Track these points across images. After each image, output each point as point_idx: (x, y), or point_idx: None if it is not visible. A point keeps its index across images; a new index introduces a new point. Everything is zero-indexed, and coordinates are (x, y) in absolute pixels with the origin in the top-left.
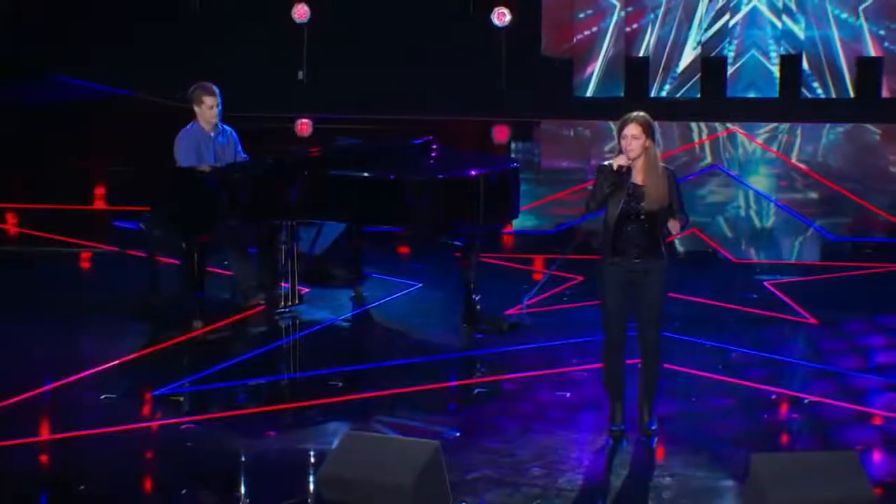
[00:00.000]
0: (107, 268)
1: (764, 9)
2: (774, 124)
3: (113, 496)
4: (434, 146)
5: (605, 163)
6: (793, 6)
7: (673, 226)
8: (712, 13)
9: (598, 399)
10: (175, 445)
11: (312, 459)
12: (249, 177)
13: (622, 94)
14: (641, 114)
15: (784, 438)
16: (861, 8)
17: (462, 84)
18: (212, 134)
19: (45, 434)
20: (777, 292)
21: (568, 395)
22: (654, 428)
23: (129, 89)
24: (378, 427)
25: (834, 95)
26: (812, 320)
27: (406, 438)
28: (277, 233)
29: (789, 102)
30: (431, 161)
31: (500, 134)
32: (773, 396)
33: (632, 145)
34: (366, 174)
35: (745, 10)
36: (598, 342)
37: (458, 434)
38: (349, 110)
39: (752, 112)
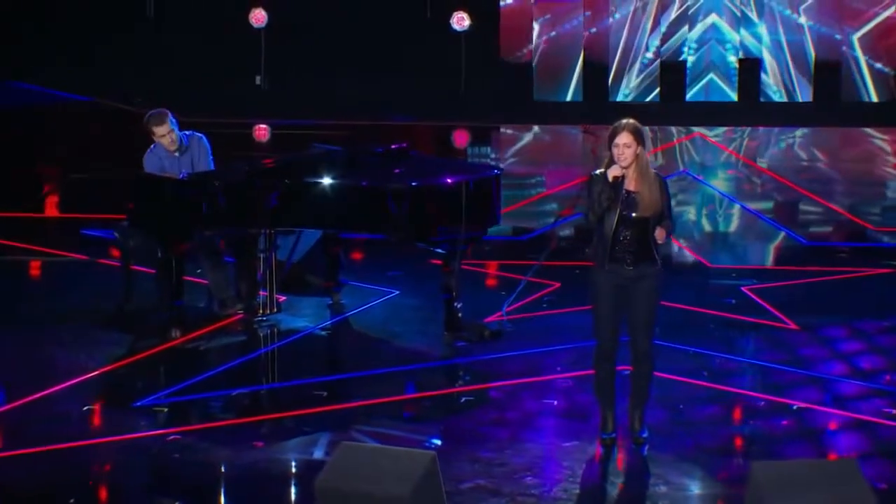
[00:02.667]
0: (78, 276)
1: (724, 13)
2: (735, 128)
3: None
4: (412, 153)
5: (597, 172)
6: (752, 12)
7: (659, 234)
8: (671, 17)
9: (586, 407)
10: (163, 457)
11: (304, 470)
12: (229, 185)
13: (581, 99)
14: (631, 121)
15: (777, 446)
16: (856, 37)
17: (421, 89)
18: (176, 154)
19: (28, 446)
20: (755, 297)
21: (555, 402)
22: (645, 436)
23: (86, 95)
24: (364, 437)
25: (799, 99)
26: (792, 325)
27: (402, 449)
28: (255, 241)
29: (749, 106)
30: (412, 168)
31: (461, 138)
32: (762, 403)
33: (624, 153)
34: (348, 181)
35: (703, 12)
36: (581, 349)
37: (448, 443)
38: (308, 116)
39: (712, 116)
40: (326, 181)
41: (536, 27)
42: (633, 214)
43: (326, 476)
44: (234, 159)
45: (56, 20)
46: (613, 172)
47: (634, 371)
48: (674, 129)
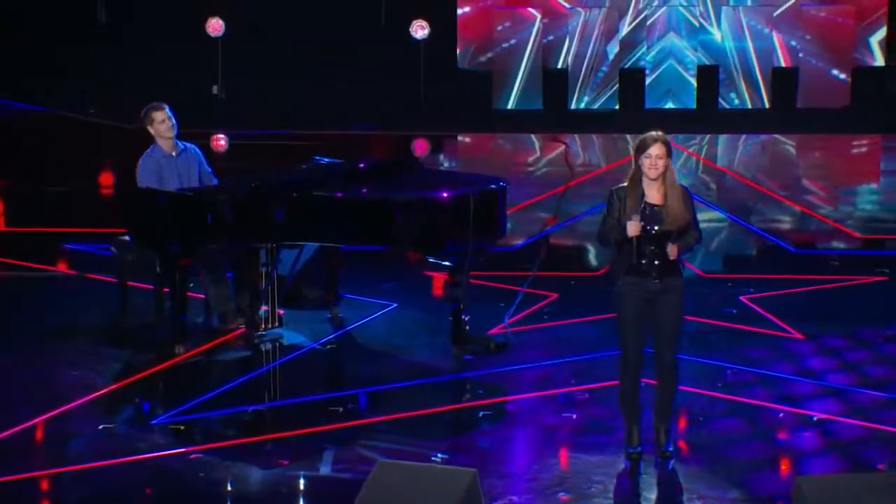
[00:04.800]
0: (67, 292)
1: (682, 22)
2: (697, 135)
3: None
4: (414, 165)
5: (619, 186)
6: (710, 19)
7: (671, 250)
8: (629, 26)
9: (606, 420)
10: (189, 475)
11: (336, 488)
12: (236, 199)
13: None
14: (661, 133)
15: (804, 458)
16: (786, 23)
17: (380, 97)
18: (172, 153)
19: (50, 466)
20: (754, 307)
21: (574, 416)
22: (671, 449)
23: (38, 105)
24: (382, 455)
25: (767, 105)
26: (797, 335)
27: (442, 466)
28: (256, 255)
29: (707, 113)
30: (418, 180)
31: (420, 147)
32: (781, 415)
33: (657, 164)
34: (357, 194)
35: (661, 21)
36: (590, 361)
37: (474, 459)
38: (266, 126)
39: (671, 123)
40: (334, 194)
41: (497, 35)
42: (660, 226)
43: (366, 494)
44: (236, 173)
45: (6, 28)
46: (633, 232)
47: (659, 384)
48: (629, 137)
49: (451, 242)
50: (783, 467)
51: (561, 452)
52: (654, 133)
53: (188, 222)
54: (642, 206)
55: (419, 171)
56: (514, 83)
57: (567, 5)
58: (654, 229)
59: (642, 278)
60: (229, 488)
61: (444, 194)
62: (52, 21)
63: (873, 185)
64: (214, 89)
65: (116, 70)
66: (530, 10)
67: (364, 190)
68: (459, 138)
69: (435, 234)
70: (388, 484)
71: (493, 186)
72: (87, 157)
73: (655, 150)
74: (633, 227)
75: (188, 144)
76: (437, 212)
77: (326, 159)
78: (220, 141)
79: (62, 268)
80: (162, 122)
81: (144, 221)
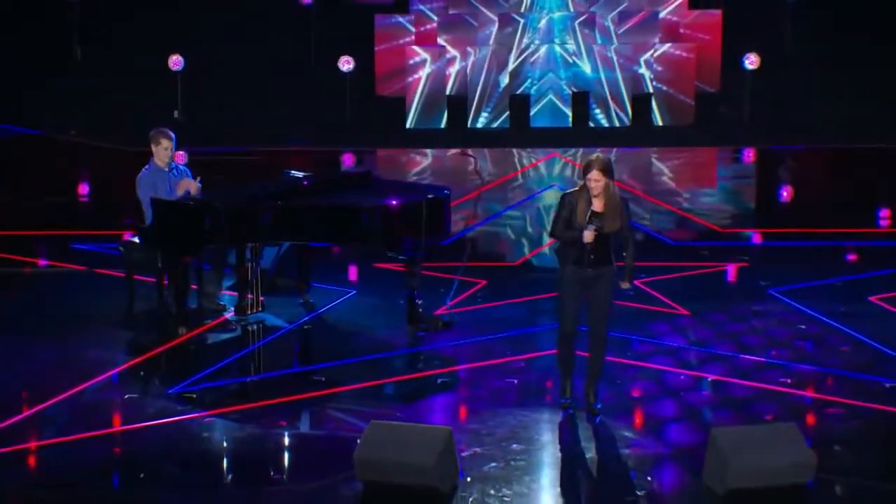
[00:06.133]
0: (79, 286)
1: (558, 56)
2: (573, 148)
3: (174, 477)
4: (373, 177)
5: (571, 192)
6: (581, 55)
7: (624, 285)
8: (515, 59)
9: (541, 383)
10: (206, 435)
11: (332, 444)
12: (237, 208)
13: (443, 126)
14: (601, 158)
15: (707, 412)
16: (643, 59)
17: (313, 119)
18: (165, 169)
19: (89, 430)
20: (647, 289)
21: (515, 381)
22: (598, 407)
23: (28, 128)
24: (357, 419)
25: (627, 122)
26: (684, 312)
27: (423, 425)
28: (244, 252)
29: (581, 130)
30: (379, 190)
31: (348, 161)
32: (682, 377)
33: (595, 186)
34: (331, 202)
35: (542, 58)
36: (522, 336)
37: (439, 418)
38: (219, 144)
39: (552, 139)
40: (311, 202)
41: (409, 68)
42: (600, 229)
43: (362, 448)
44: (224, 184)
45: None
46: (588, 239)
47: (591, 354)
48: (515, 151)
49: (406, 240)
50: (691, 421)
51: (509, 411)
52: (595, 158)
53: (191, 226)
54: (589, 212)
55: (381, 182)
56: (420, 107)
57: (454, 51)
58: (600, 230)
59: (581, 267)
60: (238, 447)
61: (394, 202)
62: (35, 56)
63: (717, 188)
64: (175, 113)
65: (93, 97)
66: (431, 49)
67: (335, 199)
68: (379, 153)
69: (394, 234)
70: (380, 440)
71: (438, 195)
72: (69, 172)
73: (594, 175)
74: (588, 236)
75: (182, 167)
76: (394, 216)
77: (295, 172)
78: (181, 158)
79: (72, 265)
80: (165, 150)
81: (159, 227)
